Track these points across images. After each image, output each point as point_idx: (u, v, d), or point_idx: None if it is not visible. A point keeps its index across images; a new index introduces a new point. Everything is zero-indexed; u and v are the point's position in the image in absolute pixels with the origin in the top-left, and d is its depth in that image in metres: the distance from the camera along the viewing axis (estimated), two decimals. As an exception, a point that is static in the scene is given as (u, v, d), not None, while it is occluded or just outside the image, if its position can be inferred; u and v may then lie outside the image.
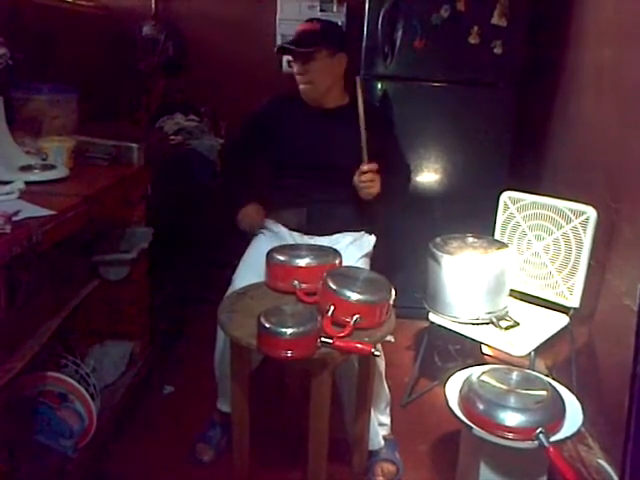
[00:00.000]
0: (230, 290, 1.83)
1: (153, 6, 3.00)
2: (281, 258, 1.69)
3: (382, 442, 1.87)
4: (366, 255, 2.01)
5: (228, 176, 2.28)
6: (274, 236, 2.06)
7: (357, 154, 1.93)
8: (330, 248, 1.80)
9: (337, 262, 1.73)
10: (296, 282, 1.64)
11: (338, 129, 2.00)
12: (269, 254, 1.72)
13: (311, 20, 2.06)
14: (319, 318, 1.45)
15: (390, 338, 2.26)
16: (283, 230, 2.08)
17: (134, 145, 1.96)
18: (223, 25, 3.04)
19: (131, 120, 2.91)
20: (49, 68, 2.15)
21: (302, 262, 1.68)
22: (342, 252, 1.81)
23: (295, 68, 1.99)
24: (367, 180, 1.93)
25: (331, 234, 2.04)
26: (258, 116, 2.15)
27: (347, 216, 2.04)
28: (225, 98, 2.99)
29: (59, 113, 1.92)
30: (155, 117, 2.89)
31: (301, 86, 2.00)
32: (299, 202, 2.05)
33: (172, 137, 2.67)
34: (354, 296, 1.49)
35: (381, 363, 1.84)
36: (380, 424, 1.88)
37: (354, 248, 1.99)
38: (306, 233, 2.06)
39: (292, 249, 1.76)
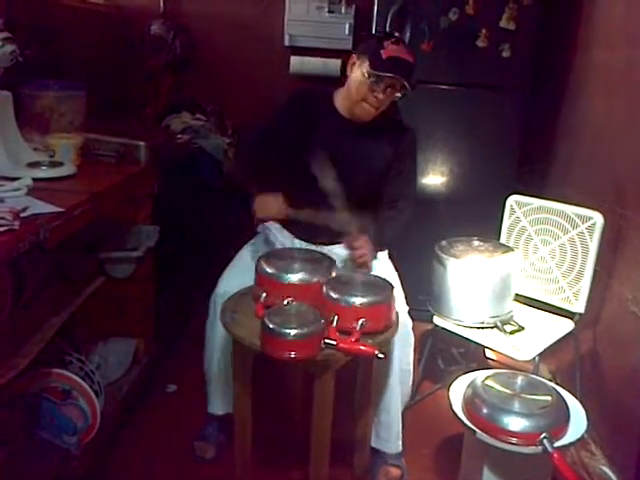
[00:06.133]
0: (213, 295, 1.81)
1: (162, 5, 3.01)
2: (270, 271, 1.59)
3: (401, 446, 1.84)
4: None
5: (246, 161, 2.11)
6: (272, 241, 1.96)
7: (380, 172, 1.90)
8: (323, 256, 1.72)
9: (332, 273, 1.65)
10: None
11: (367, 145, 1.90)
12: (258, 264, 1.63)
13: (404, 43, 1.84)
14: (323, 321, 1.45)
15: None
16: (286, 236, 1.99)
17: (141, 143, 1.96)
18: (231, 24, 3.05)
19: (138, 118, 2.91)
20: (58, 65, 2.15)
21: (295, 278, 1.58)
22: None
23: (378, 92, 1.78)
24: (363, 261, 1.80)
25: (336, 242, 1.95)
26: (289, 109, 1.97)
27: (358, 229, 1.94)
28: (232, 97, 2.99)
29: (67, 110, 1.93)
30: (162, 115, 2.89)
31: (367, 106, 1.81)
32: (313, 211, 1.92)
33: (179, 136, 2.67)
34: (357, 300, 1.48)
35: (410, 354, 1.82)
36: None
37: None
38: (313, 243, 1.96)
39: (282, 259, 1.66)
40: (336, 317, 1.47)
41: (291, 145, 1.92)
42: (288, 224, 2.00)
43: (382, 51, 1.75)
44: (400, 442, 1.84)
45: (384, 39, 1.79)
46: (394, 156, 1.91)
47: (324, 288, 1.54)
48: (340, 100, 1.91)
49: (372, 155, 1.90)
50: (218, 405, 1.91)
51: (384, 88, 1.77)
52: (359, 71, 1.80)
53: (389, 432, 1.82)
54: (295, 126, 1.91)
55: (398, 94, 1.80)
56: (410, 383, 1.88)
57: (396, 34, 1.86)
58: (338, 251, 1.90)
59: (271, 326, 1.40)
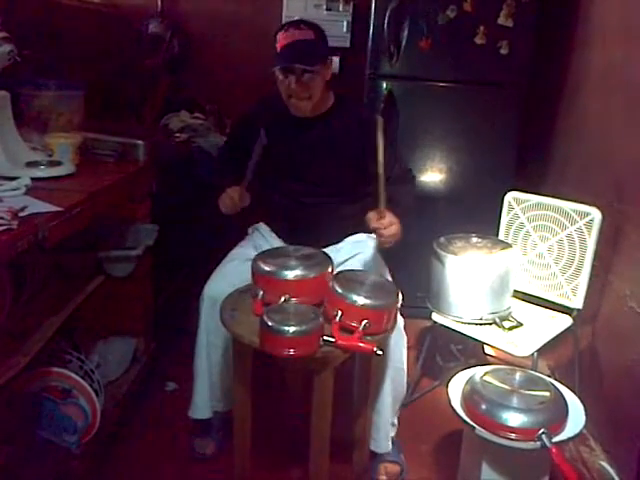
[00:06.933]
0: (200, 297, 1.80)
1: (159, 3, 3.01)
2: (267, 269, 1.57)
3: (390, 446, 1.85)
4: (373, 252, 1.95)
5: (219, 172, 2.14)
6: (262, 244, 1.96)
7: (345, 161, 1.86)
8: (319, 252, 1.70)
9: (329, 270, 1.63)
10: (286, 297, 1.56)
11: (324, 137, 1.87)
12: (254, 263, 1.62)
13: (297, 25, 1.77)
14: (321, 318, 1.45)
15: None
16: (276, 239, 1.99)
17: (140, 142, 1.96)
18: (229, 23, 3.05)
19: (137, 117, 2.91)
20: (56, 65, 2.15)
21: (291, 274, 1.56)
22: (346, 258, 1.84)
23: (292, 84, 1.75)
24: (388, 235, 1.72)
25: (326, 246, 1.91)
26: (244, 121, 2.04)
27: (344, 227, 1.98)
28: (230, 96, 2.99)
29: (65, 110, 1.93)
30: (160, 114, 2.89)
31: (296, 101, 1.80)
32: (291, 215, 1.97)
33: (177, 134, 2.67)
34: (361, 300, 1.46)
35: (403, 353, 1.81)
36: (392, 424, 1.85)
37: (356, 250, 1.95)
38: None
39: (278, 257, 1.64)
40: (339, 312, 1.46)
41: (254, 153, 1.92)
42: (277, 228, 2.01)
43: (276, 45, 1.75)
44: (390, 442, 1.84)
45: (277, 32, 1.78)
46: (360, 144, 1.83)
47: (330, 282, 1.54)
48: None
49: (332, 144, 1.86)
50: (200, 410, 1.90)
51: (296, 78, 1.74)
52: (275, 75, 1.79)
53: (378, 432, 1.82)
54: (252, 137, 1.89)
55: (312, 75, 1.75)
56: (404, 382, 1.87)
57: (296, 18, 1.82)
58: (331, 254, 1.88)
59: (270, 324, 1.40)
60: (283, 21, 2.96)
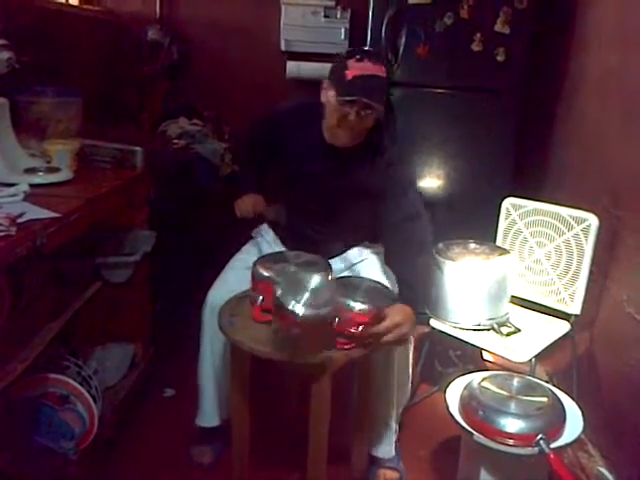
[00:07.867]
0: (203, 307, 1.80)
1: (158, 10, 3.01)
2: (266, 274, 1.58)
3: (393, 451, 1.85)
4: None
5: (241, 163, 2.12)
6: (266, 250, 1.95)
7: (362, 199, 1.82)
8: (319, 258, 1.71)
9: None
10: None
11: (349, 170, 1.80)
12: (254, 269, 1.63)
13: (370, 57, 1.66)
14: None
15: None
16: (279, 246, 1.98)
17: (138, 149, 1.97)
18: (228, 30, 3.05)
19: (135, 124, 2.92)
20: (54, 72, 2.16)
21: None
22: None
23: (350, 115, 1.64)
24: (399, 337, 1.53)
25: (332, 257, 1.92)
26: (275, 123, 1.96)
27: (348, 245, 1.96)
28: (229, 102, 3.00)
29: (64, 116, 1.93)
30: (159, 121, 2.89)
31: (342, 132, 1.71)
32: (297, 227, 1.95)
33: (175, 141, 2.67)
34: (358, 306, 1.47)
35: (409, 358, 1.81)
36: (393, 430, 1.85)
37: (361, 257, 1.95)
38: None
39: (278, 262, 1.64)
40: (337, 319, 1.46)
41: (276, 153, 1.93)
42: (282, 236, 2.00)
43: (346, 72, 1.63)
44: (392, 447, 1.84)
45: (348, 58, 1.66)
46: (376, 189, 1.77)
47: None
48: (324, 124, 1.79)
49: (355, 178, 1.79)
50: (209, 418, 1.90)
51: (357, 110, 1.64)
52: (329, 97, 1.69)
53: (382, 437, 1.82)
54: (280, 138, 1.91)
55: (371, 112, 1.66)
56: (408, 387, 1.88)
57: (365, 48, 1.73)
58: (333, 265, 1.86)
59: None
60: (281, 27, 2.98)
